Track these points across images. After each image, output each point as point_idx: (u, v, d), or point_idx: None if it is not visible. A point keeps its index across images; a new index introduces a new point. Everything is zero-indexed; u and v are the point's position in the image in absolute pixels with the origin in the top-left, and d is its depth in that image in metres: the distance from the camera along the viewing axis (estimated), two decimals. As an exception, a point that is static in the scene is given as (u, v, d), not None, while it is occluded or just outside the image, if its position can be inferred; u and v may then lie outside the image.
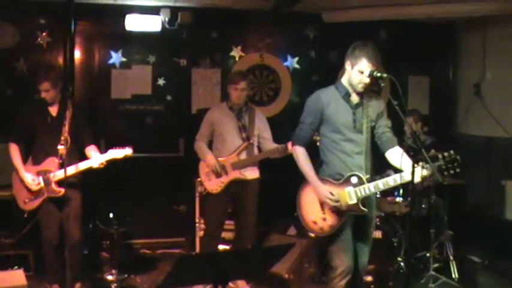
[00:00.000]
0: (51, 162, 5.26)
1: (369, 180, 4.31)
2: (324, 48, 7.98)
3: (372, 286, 5.84)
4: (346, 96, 4.39)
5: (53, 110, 5.41)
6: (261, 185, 6.05)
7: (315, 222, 4.45)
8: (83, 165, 5.29)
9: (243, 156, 5.86)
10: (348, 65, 4.37)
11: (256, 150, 5.95)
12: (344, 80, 4.43)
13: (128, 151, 5.34)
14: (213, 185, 5.86)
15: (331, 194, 4.31)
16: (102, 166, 5.29)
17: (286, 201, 6.93)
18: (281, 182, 7.06)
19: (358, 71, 4.28)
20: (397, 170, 4.34)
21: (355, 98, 4.40)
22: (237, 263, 3.42)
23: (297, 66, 7.98)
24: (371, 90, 4.46)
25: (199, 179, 6.07)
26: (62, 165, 4.97)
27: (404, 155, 4.31)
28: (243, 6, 7.44)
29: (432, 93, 8.30)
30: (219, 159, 5.82)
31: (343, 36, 7.83)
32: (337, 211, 4.34)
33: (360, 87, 4.31)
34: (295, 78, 7.97)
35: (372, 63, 4.23)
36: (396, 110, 4.12)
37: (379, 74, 4.19)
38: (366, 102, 4.41)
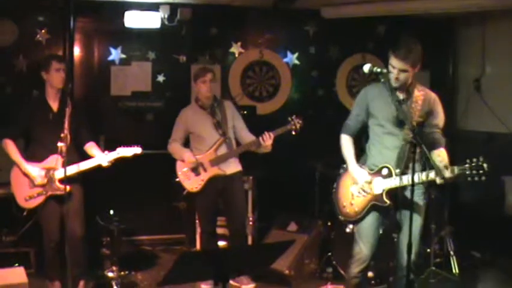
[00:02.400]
0: (55, 159, 5.19)
1: (399, 174, 4.36)
2: (324, 44, 7.98)
3: (373, 282, 5.84)
4: (392, 91, 4.40)
5: (54, 106, 5.34)
6: (261, 181, 6.04)
7: (344, 206, 4.67)
8: (90, 163, 5.28)
9: (222, 151, 5.82)
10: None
11: (234, 144, 5.93)
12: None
13: (137, 150, 5.39)
14: (193, 183, 5.83)
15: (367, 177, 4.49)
16: (110, 164, 5.30)
17: (286, 197, 7.00)
18: (281, 178, 7.09)
19: (390, 65, 4.37)
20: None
21: (401, 93, 4.47)
22: (237, 260, 3.42)
23: (296, 62, 7.97)
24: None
25: (177, 179, 5.96)
26: (64, 162, 4.95)
27: (443, 156, 4.36)
28: (243, 2, 7.44)
29: (432, 88, 8.25)
30: (197, 157, 5.80)
31: (343, 31, 7.90)
32: (363, 198, 4.51)
33: (393, 82, 4.37)
34: (295, 74, 7.97)
35: (399, 59, 4.29)
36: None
37: (378, 70, 4.27)
38: (415, 97, 4.48)
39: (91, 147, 5.45)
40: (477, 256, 6.93)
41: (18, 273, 4.47)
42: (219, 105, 5.92)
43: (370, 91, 4.64)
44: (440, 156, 4.36)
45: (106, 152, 5.35)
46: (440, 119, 4.62)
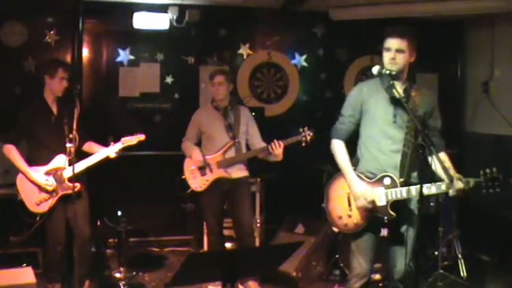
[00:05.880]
0: (60, 159, 5.20)
1: (404, 184, 4.08)
2: (332, 46, 7.98)
3: (380, 284, 5.83)
4: (390, 88, 4.13)
5: (54, 108, 5.30)
6: (269, 183, 6.02)
7: (340, 217, 4.28)
8: (98, 157, 5.29)
9: (231, 154, 5.80)
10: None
11: (244, 149, 5.89)
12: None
13: (141, 136, 5.44)
14: (198, 182, 5.82)
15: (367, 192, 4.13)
16: (117, 155, 5.33)
17: (294, 199, 6.99)
18: (289, 180, 7.08)
19: (384, 49, 4.15)
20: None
21: (399, 91, 4.11)
22: (245, 261, 3.42)
23: (304, 64, 7.97)
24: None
25: (183, 176, 5.95)
26: (71, 162, 4.96)
27: (447, 163, 4.10)
28: (251, 4, 7.45)
29: (440, 91, 8.27)
30: (206, 157, 5.79)
31: (351, 34, 7.89)
32: (364, 210, 4.17)
33: (389, 67, 4.09)
34: (303, 76, 7.96)
35: (394, 37, 4.09)
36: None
37: (387, 72, 4.08)
38: (413, 97, 4.16)
39: (90, 146, 5.49)
40: (485, 259, 6.91)
41: (26, 273, 4.47)
42: (234, 109, 5.89)
43: (365, 88, 4.28)
44: (446, 162, 4.11)
45: (112, 143, 5.36)
46: (439, 121, 4.30)
